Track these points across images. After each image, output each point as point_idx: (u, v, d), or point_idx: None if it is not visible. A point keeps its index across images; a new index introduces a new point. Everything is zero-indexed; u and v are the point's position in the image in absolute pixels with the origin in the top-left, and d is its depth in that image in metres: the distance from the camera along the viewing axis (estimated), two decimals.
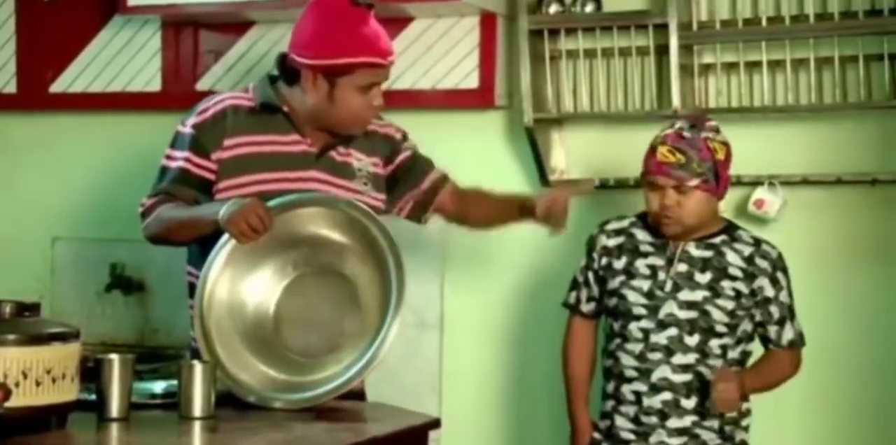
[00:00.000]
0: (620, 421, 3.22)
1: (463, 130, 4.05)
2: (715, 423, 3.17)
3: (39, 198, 4.57)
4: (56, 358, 2.38)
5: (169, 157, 3.07)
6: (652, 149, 3.16)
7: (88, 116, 4.49)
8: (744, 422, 3.23)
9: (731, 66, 3.76)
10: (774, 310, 3.20)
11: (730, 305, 3.15)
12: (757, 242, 3.21)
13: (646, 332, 3.17)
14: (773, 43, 3.69)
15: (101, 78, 4.40)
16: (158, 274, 4.36)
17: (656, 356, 3.16)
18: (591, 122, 3.95)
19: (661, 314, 3.16)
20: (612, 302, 3.24)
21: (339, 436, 2.56)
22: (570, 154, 3.98)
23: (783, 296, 3.20)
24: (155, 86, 4.33)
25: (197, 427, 2.57)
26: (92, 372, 2.55)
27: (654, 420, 3.17)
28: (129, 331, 4.44)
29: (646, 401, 3.17)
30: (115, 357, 2.58)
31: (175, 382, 2.66)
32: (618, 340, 3.22)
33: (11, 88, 4.52)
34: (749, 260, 3.18)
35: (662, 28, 3.72)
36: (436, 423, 2.76)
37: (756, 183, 3.70)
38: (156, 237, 3.04)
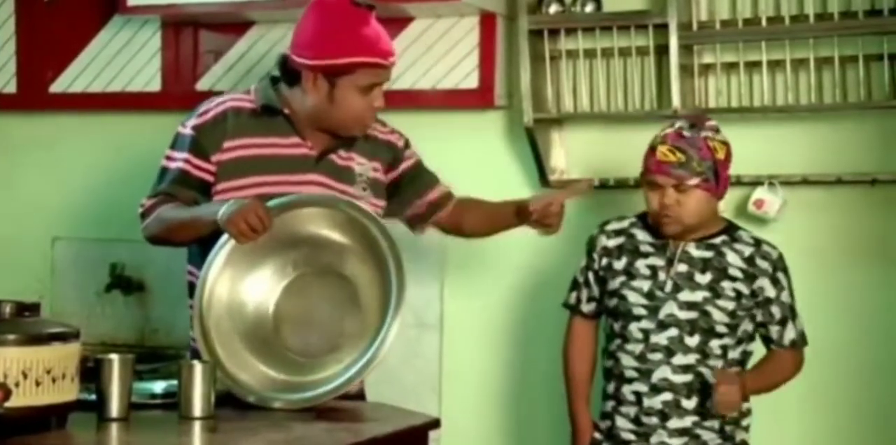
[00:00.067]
0: (621, 422, 3.22)
1: (463, 130, 4.06)
2: (715, 423, 3.17)
3: (39, 198, 4.57)
4: (56, 357, 2.38)
5: (169, 158, 3.07)
6: (652, 149, 3.16)
7: (88, 116, 4.49)
8: (744, 422, 3.23)
9: (730, 66, 3.76)
10: (776, 311, 3.20)
11: (730, 306, 3.15)
12: (757, 243, 3.21)
13: (646, 333, 3.17)
14: (772, 43, 3.69)
15: (101, 78, 4.40)
16: (158, 274, 4.36)
17: (657, 356, 3.16)
18: (590, 122, 3.95)
19: (662, 314, 3.16)
20: (613, 302, 3.24)
21: (339, 436, 2.56)
22: (570, 154, 3.98)
23: (784, 296, 3.20)
24: (155, 86, 4.33)
25: (197, 427, 2.57)
26: (92, 372, 2.55)
27: (654, 420, 3.17)
28: (129, 331, 4.45)
29: (646, 402, 3.17)
30: (115, 357, 2.58)
31: (175, 382, 2.66)
32: (618, 341, 3.22)
33: (11, 88, 4.52)
34: (749, 260, 3.18)
35: (662, 28, 3.72)
36: (436, 423, 2.76)
37: (756, 183, 3.70)
38: (155, 237, 3.04)
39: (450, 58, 3.98)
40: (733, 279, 3.16)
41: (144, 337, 4.43)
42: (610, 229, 3.29)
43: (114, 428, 2.53)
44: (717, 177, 3.13)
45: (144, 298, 4.44)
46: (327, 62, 2.95)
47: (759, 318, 3.21)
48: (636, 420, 3.19)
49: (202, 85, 4.28)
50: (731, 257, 3.18)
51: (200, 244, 2.95)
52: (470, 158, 3.96)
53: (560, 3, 3.86)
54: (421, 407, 3.28)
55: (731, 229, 3.24)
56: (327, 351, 2.84)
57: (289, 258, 2.88)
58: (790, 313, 3.22)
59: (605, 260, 3.27)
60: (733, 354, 3.18)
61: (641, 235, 3.24)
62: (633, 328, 3.18)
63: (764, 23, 3.70)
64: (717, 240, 3.20)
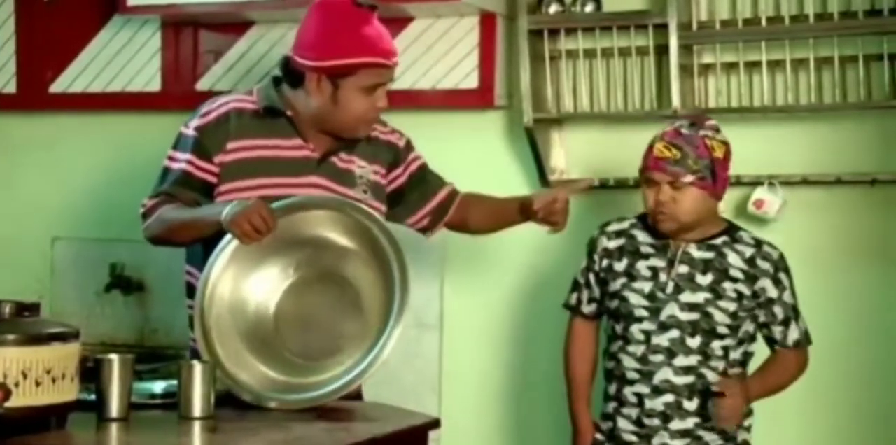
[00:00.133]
0: (623, 423, 3.21)
1: (463, 130, 4.06)
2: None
3: (39, 198, 4.57)
4: (56, 358, 2.38)
5: (171, 159, 3.06)
6: (650, 146, 3.17)
7: (88, 116, 4.49)
8: (746, 422, 3.22)
9: (730, 66, 3.76)
10: (778, 311, 3.20)
11: (731, 307, 3.15)
12: (758, 243, 3.21)
13: (647, 334, 3.17)
14: (772, 43, 3.69)
15: (101, 78, 4.40)
16: (158, 274, 4.36)
17: (658, 358, 3.16)
18: (590, 122, 3.95)
19: (663, 316, 3.16)
20: (614, 304, 3.23)
21: (338, 436, 2.56)
22: (569, 154, 3.98)
23: (786, 297, 3.20)
24: (155, 86, 4.34)
25: (197, 427, 2.57)
26: (92, 372, 2.55)
27: (656, 422, 3.17)
28: (129, 331, 4.45)
29: (648, 403, 3.17)
30: (114, 357, 2.57)
31: (175, 382, 2.66)
32: (619, 342, 3.22)
33: (11, 88, 4.53)
34: (750, 261, 3.17)
35: (662, 28, 3.72)
36: (436, 423, 2.76)
37: (756, 183, 3.70)
38: (157, 238, 3.03)
39: (450, 58, 3.98)
40: (734, 280, 3.16)
41: (144, 337, 4.43)
42: (610, 230, 3.29)
43: (114, 428, 2.52)
44: (715, 176, 3.13)
45: (144, 298, 4.44)
46: (330, 63, 2.95)
47: (762, 319, 3.21)
48: (638, 422, 3.19)
49: (202, 85, 4.28)
50: (732, 258, 3.17)
51: (202, 244, 2.95)
52: (470, 158, 3.96)
53: (560, 3, 3.86)
54: (421, 407, 3.28)
55: (731, 230, 3.23)
56: (327, 353, 2.83)
57: (292, 259, 2.88)
58: (793, 313, 3.22)
59: (605, 262, 3.26)
60: (735, 355, 3.18)
61: (642, 236, 3.24)
62: (635, 329, 3.18)
63: (764, 23, 3.70)
64: (718, 241, 3.20)
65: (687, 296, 3.15)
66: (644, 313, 3.18)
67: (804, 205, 3.73)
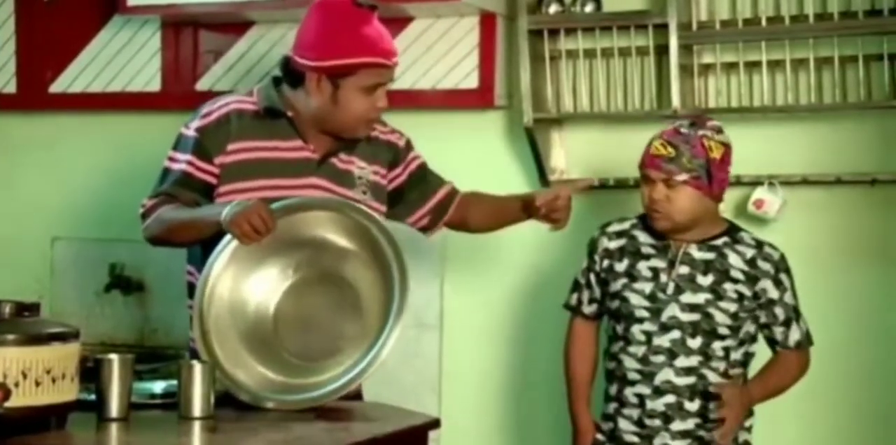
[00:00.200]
0: (624, 424, 3.21)
1: (463, 130, 4.06)
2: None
3: (39, 198, 4.57)
4: (56, 358, 2.38)
5: (171, 159, 3.06)
6: (649, 143, 3.17)
7: (88, 116, 4.49)
8: (747, 423, 3.22)
9: (730, 66, 3.76)
10: (779, 312, 3.20)
11: (732, 307, 3.15)
12: (759, 244, 3.21)
13: (648, 335, 3.17)
14: (772, 43, 3.69)
15: (101, 78, 4.40)
16: (158, 274, 4.36)
17: (659, 359, 3.15)
18: (590, 122, 3.95)
19: (664, 317, 3.16)
20: (614, 304, 3.23)
21: (338, 436, 2.56)
22: (569, 154, 3.98)
23: (787, 297, 3.20)
24: (155, 86, 4.34)
25: (196, 427, 2.57)
26: (92, 372, 2.55)
27: (657, 422, 3.16)
28: (129, 331, 4.45)
29: (649, 404, 3.17)
30: (114, 357, 2.57)
31: (175, 382, 2.66)
32: (620, 343, 3.22)
33: (11, 88, 4.53)
34: (751, 262, 3.17)
35: (662, 28, 3.72)
36: (436, 423, 2.76)
37: (756, 183, 3.70)
38: (156, 238, 3.03)
39: (450, 58, 3.98)
40: (735, 281, 3.16)
41: (144, 337, 4.43)
42: (611, 231, 3.29)
43: (113, 428, 2.53)
44: (710, 177, 3.12)
45: (144, 298, 4.44)
46: (330, 63, 2.95)
47: (763, 320, 3.20)
48: (639, 423, 3.19)
49: (202, 85, 4.28)
50: (733, 259, 3.17)
51: (201, 245, 2.95)
52: (470, 158, 3.96)
53: (560, 3, 3.86)
54: (421, 407, 3.28)
55: (732, 231, 3.23)
56: (326, 354, 2.83)
57: (291, 260, 2.88)
58: (794, 314, 3.22)
59: (606, 262, 3.26)
60: (735, 356, 3.18)
61: (643, 237, 3.24)
62: (636, 330, 3.18)
63: (764, 23, 3.70)
64: (719, 242, 3.19)
65: (688, 297, 3.15)
66: (645, 314, 3.17)
67: (804, 205, 3.73)
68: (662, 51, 3.76)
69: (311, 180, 3.02)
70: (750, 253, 3.18)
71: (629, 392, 3.19)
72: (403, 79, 3.88)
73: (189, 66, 4.28)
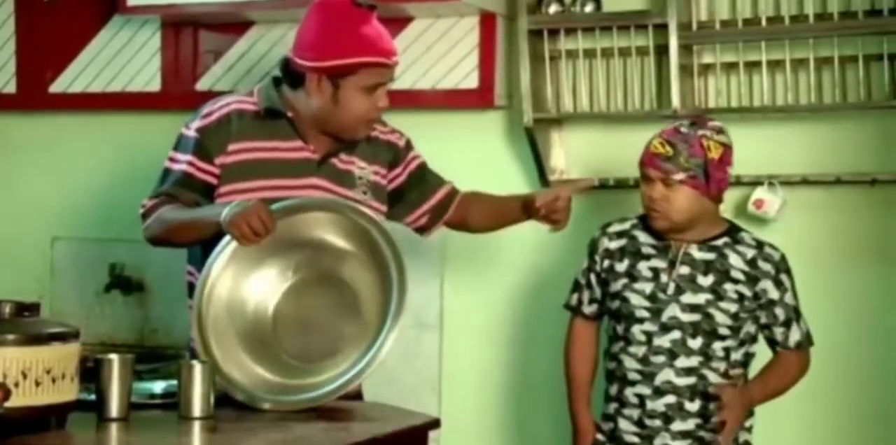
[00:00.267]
0: (624, 424, 3.21)
1: (463, 130, 4.06)
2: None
3: (39, 198, 4.57)
4: (56, 358, 2.38)
5: (172, 160, 3.06)
6: (649, 142, 3.17)
7: (88, 116, 4.49)
8: (747, 423, 3.22)
9: (730, 66, 3.76)
10: (780, 312, 3.20)
11: (733, 308, 3.15)
12: (759, 245, 3.21)
13: (649, 335, 3.17)
14: (772, 43, 3.69)
15: (101, 78, 4.40)
16: (158, 274, 4.36)
17: (659, 359, 3.15)
18: (590, 122, 3.95)
19: (664, 317, 3.16)
20: (615, 304, 3.23)
21: (338, 436, 2.56)
22: (569, 154, 3.98)
23: (788, 298, 3.20)
24: (154, 86, 4.34)
25: (196, 427, 2.57)
26: (92, 372, 2.55)
27: (657, 423, 3.16)
28: (129, 331, 4.45)
29: (649, 404, 3.17)
30: (114, 357, 2.58)
31: (175, 382, 2.66)
32: (620, 343, 3.22)
33: (11, 88, 4.53)
34: (752, 263, 3.17)
35: (662, 28, 3.72)
36: (436, 423, 2.76)
37: (756, 183, 3.70)
38: (156, 238, 3.03)
39: (450, 58, 3.98)
40: (735, 281, 3.16)
41: (144, 337, 4.43)
42: (612, 231, 3.29)
43: (113, 428, 2.53)
44: (708, 177, 3.12)
45: (144, 298, 4.44)
46: (330, 63, 2.95)
47: (763, 320, 3.20)
48: (639, 423, 3.18)
49: (202, 85, 4.28)
50: (734, 259, 3.17)
51: (202, 245, 2.94)
52: (470, 158, 3.95)
53: (560, 3, 3.86)
54: (421, 407, 3.29)
55: (733, 231, 3.23)
56: (325, 355, 2.83)
57: (291, 261, 2.88)
58: (794, 314, 3.21)
59: (606, 262, 3.26)
60: (736, 356, 3.18)
61: (643, 237, 3.24)
62: (636, 330, 3.18)
63: (764, 23, 3.70)
64: (719, 242, 3.19)
65: (688, 297, 3.15)
66: (645, 314, 3.17)
67: (804, 205, 3.73)
68: (662, 51, 3.76)
69: (311, 180, 3.02)
70: (750, 253, 3.18)
71: (629, 392, 3.19)
72: (403, 79, 3.88)
73: (189, 66, 4.28)
